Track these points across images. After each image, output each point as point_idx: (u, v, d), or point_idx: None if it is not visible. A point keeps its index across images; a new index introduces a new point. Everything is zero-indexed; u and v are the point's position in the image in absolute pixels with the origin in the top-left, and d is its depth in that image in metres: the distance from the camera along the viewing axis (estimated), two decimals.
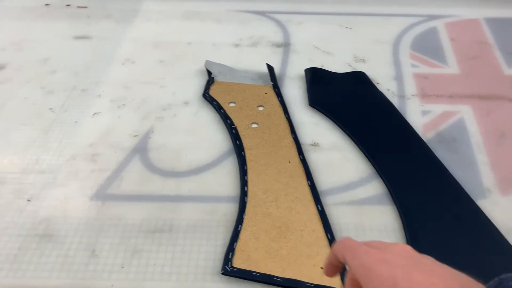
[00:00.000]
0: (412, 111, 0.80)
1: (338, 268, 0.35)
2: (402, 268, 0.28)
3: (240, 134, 0.74)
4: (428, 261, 0.30)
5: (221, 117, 0.78)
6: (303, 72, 0.89)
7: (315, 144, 0.74)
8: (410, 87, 0.86)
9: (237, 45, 0.98)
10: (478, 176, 0.69)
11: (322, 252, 0.57)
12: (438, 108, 0.81)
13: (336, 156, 0.72)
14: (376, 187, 0.67)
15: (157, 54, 0.96)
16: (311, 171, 0.69)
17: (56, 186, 0.67)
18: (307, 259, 0.57)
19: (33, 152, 0.73)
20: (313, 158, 0.71)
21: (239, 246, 0.58)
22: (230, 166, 0.70)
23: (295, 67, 0.92)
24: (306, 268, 0.56)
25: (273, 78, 0.87)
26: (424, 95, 0.84)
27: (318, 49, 0.97)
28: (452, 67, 0.91)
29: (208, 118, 0.79)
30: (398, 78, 0.89)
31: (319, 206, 0.63)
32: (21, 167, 0.70)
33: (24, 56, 0.95)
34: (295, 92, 0.85)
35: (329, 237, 0.59)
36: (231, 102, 0.81)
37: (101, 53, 0.96)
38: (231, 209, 0.64)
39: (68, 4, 1.13)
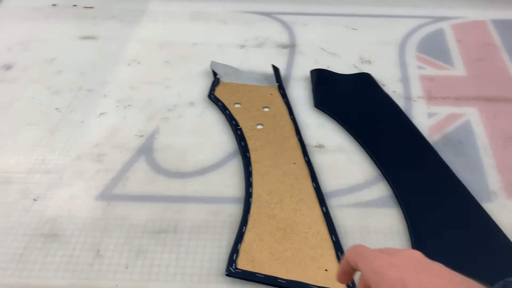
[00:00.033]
0: (418, 113, 0.80)
1: (351, 274, 0.36)
2: (412, 272, 0.29)
3: (245, 135, 0.74)
4: (437, 266, 0.30)
5: (226, 118, 0.78)
6: (308, 73, 0.89)
7: (320, 146, 0.74)
8: (416, 89, 0.86)
9: (242, 46, 0.98)
10: (484, 179, 0.69)
11: (326, 254, 0.57)
12: (444, 110, 0.81)
13: (341, 158, 0.72)
14: (381, 190, 0.67)
15: (163, 54, 0.96)
16: (316, 173, 0.68)
17: (61, 186, 0.68)
18: (311, 261, 0.57)
19: (39, 152, 0.73)
20: (318, 159, 0.71)
21: (243, 247, 0.58)
22: (235, 167, 0.70)
23: (301, 68, 0.91)
24: (311, 270, 0.56)
25: (278, 79, 0.87)
26: (430, 97, 0.84)
27: (324, 50, 0.97)
28: (458, 69, 0.91)
29: (213, 119, 0.79)
30: (404, 80, 0.88)
31: (323, 208, 0.63)
32: (27, 167, 0.71)
33: (30, 56, 0.95)
34: (300, 93, 0.85)
35: (334, 239, 0.59)
36: (237, 103, 0.81)
37: (107, 54, 0.96)
38: (236, 210, 0.64)
39: (74, 4, 1.13)
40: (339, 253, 0.57)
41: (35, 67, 0.92)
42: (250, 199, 0.64)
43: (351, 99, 0.84)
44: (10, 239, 0.61)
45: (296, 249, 0.58)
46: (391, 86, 0.86)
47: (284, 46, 0.98)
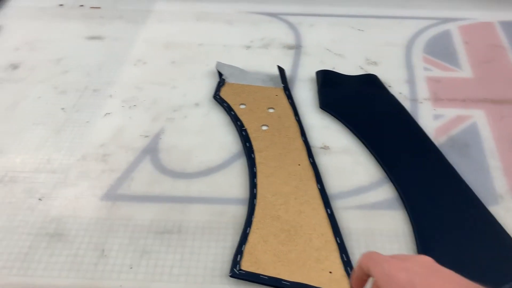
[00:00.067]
0: (424, 115, 0.79)
1: (364, 281, 0.37)
2: (421, 275, 0.30)
3: (250, 136, 0.74)
4: (447, 271, 0.31)
5: (231, 118, 0.78)
6: (314, 75, 0.89)
7: (325, 147, 0.74)
8: (423, 91, 0.85)
9: (248, 47, 0.98)
10: (491, 181, 0.68)
11: (331, 256, 0.57)
12: (450, 112, 0.80)
13: (347, 160, 0.72)
14: (386, 192, 0.67)
15: (169, 55, 0.96)
16: (321, 174, 0.68)
17: (67, 185, 0.68)
18: (315, 263, 0.56)
19: (45, 152, 0.73)
20: (323, 161, 0.71)
21: (247, 248, 0.58)
22: (239, 168, 0.70)
23: (306, 69, 0.91)
24: (315, 272, 0.55)
25: (284, 80, 0.87)
26: (437, 99, 0.83)
27: (330, 51, 0.97)
28: (465, 71, 0.90)
29: (218, 120, 0.79)
30: (411, 81, 0.88)
31: (328, 210, 0.63)
32: (32, 166, 0.71)
33: (37, 55, 0.96)
34: (306, 95, 0.85)
35: (338, 241, 0.59)
36: (242, 104, 0.81)
37: (113, 54, 0.97)
38: (240, 211, 0.64)
39: (81, 4, 1.14)
40: (343, 255, 0.57)
41: (42, 66, 0.93)
42: (255, 200, 0.64)
43: (357, 101, 0.83)
44: (15, 238, 0.61)
45: (301, 251, 0.58)
46: (397, 88, 0.86)
47: (290, 47, 0.98)
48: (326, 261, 0.56)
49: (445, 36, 1.01)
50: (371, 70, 0.91)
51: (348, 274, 0.55)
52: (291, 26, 1.05)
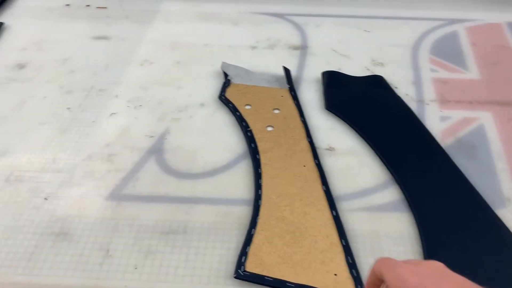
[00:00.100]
0: (431, 117, 0.79)
1: (377, 286, 0.37)
2: (433, 280, 0.31)
3: (255, 137, 0.74)
4: (458, 276, 0.32)
5: (237, 119, 0.78)
6: (320, 75, 0.89)
7: (330, 149, 0.73)
8: (429, 92, 0.85)
9: (254, 47, 0.98)
10: (498, 184, 0.67)
11: (336, 258, 0.57)
12: (457, 114, 0.80)
13: (352, 161, 0.71)
14: (392, 194, 0.66)
15: (175, 55, 0.96)
16: (326, 175, 0.68)
17: (72, 185, 0.68)
18: (320, 265, 0.56)
19: (51, 151, 0.74)
20: (328, 162, 0.71)
21: (252, 250, 0.58)
22: (244, 169, 0.70)
23: (312, 70, 0.91)
24: (320, 274, 0.55)
25: (289, 81, 0.86)
26: (443, 101, 0.83)
27: (336, 52, 0.97)
28: (472, 72, 0.90)
29: (223, 120, 0.79)
30: (417, 82, 0.87)
31: (334, 212, 0.62)
32: (38, 166, 0.71)
33: (44, 55, 0.96)
34: (311, 96, 0.85)
35: (344, 243, 0.58)
36: (247, 105, 0.81)
37: (119, 54, 0.97)
38: (245, 212, 0.64)
39: (88, 4, 1.14)
40: (349, 257, 0.57)
41: (48, 66, 0.93)
42: (260, 201, 0.64)
43: (363, 102, 0.83)
44: (21, 237, 0.61)
45: (305, 253, 0.57)
46: (404, 89, 0.85)
47: (295, 48, 0.98)
48: (331, 263, 0.56)
49: (452, 37, 1.00)
50: (377, 71, 0.90)
51: (353, 277, 0.55)
52: (297, 26, 1.05)
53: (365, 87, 0.86)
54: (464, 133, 0.76)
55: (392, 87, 0.86)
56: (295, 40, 1.00)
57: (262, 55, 0.96)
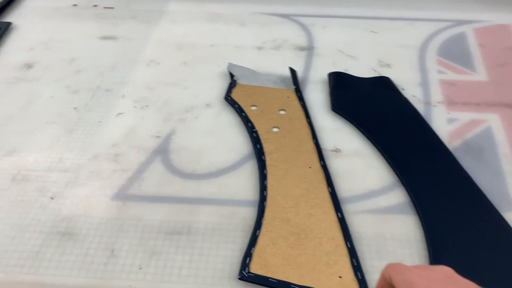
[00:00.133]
0: (438, 119, 0.78)
1: None
2: (441, 284, 0.32)
3: (261, 138, 0.74)
4: (467, 282, 0.32)
5: (242, 120, 0.78)
6: (326, 76, 0.89)
7: (336, 150, 0.73)
8: (436, 94, 0.84)
9: (260, 48, 0.98)
10: (505, 187, 0.67)
11: (341, 261, 0.56)
12: (464, 116, 0.79)
13: (358, 163, 0.71)
14: (398, 196, 0.66)
15: (181, 55, 0.96)
16: (332, 177, 0.68)
17: (78, 185, 0.68)
18: (325, 267, 0.56)
19: (57, 151, 0.74)
20: (334, 164, 0.71)
21: (256, 251, 0.58)
22: (250, 170, 0.70)
23: (318, 71, 0.91)
24: (324, 277, 0.55)
25: (295, 82, 0.86)
26: (451, 103, 0.82)
27: (342, 53, 0.96)
28: (480, 74, 0.89)
29: (229, 121, 0.79)
30: (424, 84, 0.87)
31: (339, 214, 0.62)
32: (45, 165, 0.72)
33: (51, 55, 0.97)
34: (317, 97, 0.84)
35: (349, 245, 0.58)
36: (253, 105, 0.81)
37: (126, 54, 0.97)
38: (250, 213, 0.64)
39: (95, 4, 1.15)
40: (354, 260, 0.57)
41: (55, 66, 0.94)
42: (265, 202, 0.64)
43: (369, 103, 0.83)
44: (28, 236, 0.61)
45: (310, 255, 0.57)
46: (411, 91, 0.85)
47: (302, 49, 0.98)
48: (336, 265, 0.56)
49: (460, 39, 1.00)
50: (384, 72, 0.90)
51: (358, 279, 0.54)
52: (304, 27, 1.05)
53: (371, 88, 0.86)
54: (471, 135, 0.75)
55: (399, 88, 0.85)
56: (302, 41, 1.00)
57: (268, 56, 0.96)
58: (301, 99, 0.82)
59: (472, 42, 0.98)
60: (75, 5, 1.15)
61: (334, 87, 0.85)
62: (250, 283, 0.55)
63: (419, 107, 0.81)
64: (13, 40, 1.02)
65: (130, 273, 0.57)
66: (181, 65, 0.94)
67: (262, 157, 0.70)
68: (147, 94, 0.86)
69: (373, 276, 0.56)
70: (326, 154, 0.72)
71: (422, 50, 0.96)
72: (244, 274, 0.55)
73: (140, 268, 0.57)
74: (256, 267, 0.56)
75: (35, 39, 1.02)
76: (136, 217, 0.64)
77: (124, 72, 0.91)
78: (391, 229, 0.61)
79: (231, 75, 0.88)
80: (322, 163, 0.69)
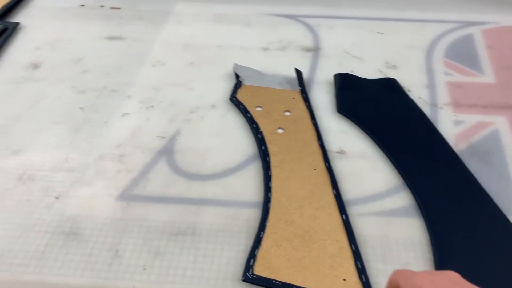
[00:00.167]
0: (444, 121, 0.78)
1: None
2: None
3: (266, 139, 0.74)
4: (473, 287, 0.32)
5: (247, 121, 0.78)
6: (332, 77, 0.88)
7: (342, 152, 0.73)
8: (443, 96, 0.83)
9: (266, 49, 0.98)
10: None
11: (345, 263, 0.56)
12: (471, 119, 0.78)
13: (364, 165, 0.71)
14: (404, 199, 0.65)
15: (187, 56, 0.96)
16: (337, 179, 0.67)
17: (83, 185, 0.69)
18: (329, 269, 0.56)
19: (63, 151, 0.74)
20: (339, 166, 0.70)
21: (260, 253, 0.57)
22: (254, 171, 0.70)
23: (324, 72, 0.90)
24: (328, 279, 0.55)
25: (301, 83, 0.86)
26: (457, 105, 0.81)
27: (349, 54, 0.96)
28: (488, 76, 0.88)
29: (234, 122, 0.79)
30: (431, 86, 0.86)
31: (344, 216, 0.62)
32: (51, 165, 0.72)
33: (58, 55, 0.97)
34: (323, 98, 0.84)
35: (353, 248, 0.58)
36: (258, 106, 0.81)
37: (132, 54, 0.97)
38: (254, 214, 0.64)
39: (102, 5, 1.15)
40: (358, 262, 0.56)
41: (62, 66, 0.94)
42: (269, 204, 0.64)
43: (375, 105, 0.82)
44: (33, 236, 0.62)
45: (314, 257, 0.57)
46: (417, 92, 0.84)
47: (308, 50, 0.97)
48: (340, 268, 0.56)
49: (467, 40, 0.99)
50: (390, 74, 0.89)
51: (362, 282, 0.54)
52: (310, 28, 1.05)
53: (377, 90, 0.85)
54: (478, 138, 0.75)
55: (405, 90, 0.85)
56: (307, 41, 1.00)
57: (274, 57, 0.96)
58: (306, 100, 0.82)
59: (480, 44, 0.97)
60: (82, 5, 1.15)
61: (340, 89, 0.84)
62: (254, 285, 0.55)
63: (426, 109, 0.80)
64: (20, 40, 1.03)
65: (134, 274, 0.57)
66: (187, 65, 0.94)
67: (267, 158, 0.70)
68: (152, 94, 0.86)
69: (377, 279, 0.55)
70: (331, 155, 0.72)
71: (429, 52, 0.96)
72: (248, 276, 0.55)
73: (144, 269, 0.57)
74: (260, 269, 0.56)
75: (42, 39, 1.02)
76: (141, 218, 0.64)
77: (130, 73, 0.92)
78: (396, 232, 0.61)
79: (237, 76, 0.88)
80: (327, 165, 0.69)
